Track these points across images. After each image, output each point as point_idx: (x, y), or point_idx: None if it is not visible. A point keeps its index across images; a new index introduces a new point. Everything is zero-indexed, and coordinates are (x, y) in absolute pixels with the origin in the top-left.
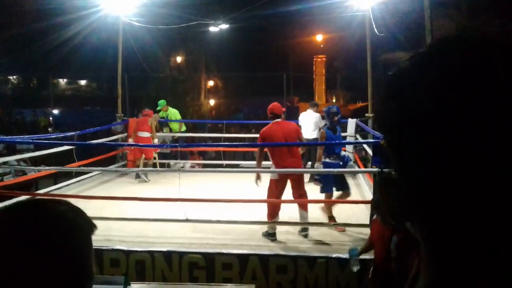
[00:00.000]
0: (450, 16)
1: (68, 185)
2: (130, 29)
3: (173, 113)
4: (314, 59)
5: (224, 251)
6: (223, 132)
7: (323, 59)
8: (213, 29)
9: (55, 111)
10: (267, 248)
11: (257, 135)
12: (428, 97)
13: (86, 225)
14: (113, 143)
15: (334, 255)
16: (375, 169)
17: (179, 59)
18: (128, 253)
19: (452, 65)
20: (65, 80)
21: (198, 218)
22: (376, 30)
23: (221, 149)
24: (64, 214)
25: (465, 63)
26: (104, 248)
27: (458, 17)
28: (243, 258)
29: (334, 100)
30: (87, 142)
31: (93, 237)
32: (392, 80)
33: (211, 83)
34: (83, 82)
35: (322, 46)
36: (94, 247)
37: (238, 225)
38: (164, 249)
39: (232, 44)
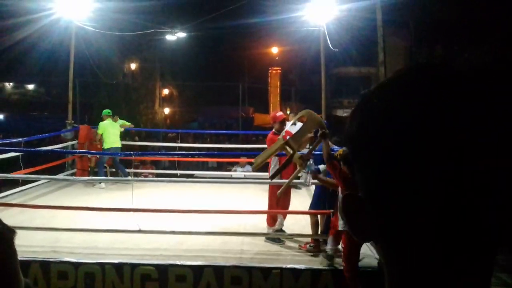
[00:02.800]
0: (399, 35)
1: (13, 193)
2: (83, 34)
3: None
4: (270, 71)
5: (178, 262)
6: (178, 142)
7: (278, 71)
8: (169, 37)
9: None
10: (222, 259)
11: (212, 145)
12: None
13: (5, 230)
14: (63, 150)
15: (288, 266)
16: None
17: (133, 66)
18: (77, 265)
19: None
20: (11, 84)
21: (151, 229)
22: (330, 45)
23: (176, 158)
24: None
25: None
26: (51, 260)
27: (406, 36)
28: (197, 270)
29: (288, 112)
30: (36, 149)
31: (40, 249)
32: (368, 99)
33: (166, 91)
34: (30, 87)
35: (277, 58)
36: (40, 259)
37: (193, 236)
38: (115, 261)
39: (189, 53)
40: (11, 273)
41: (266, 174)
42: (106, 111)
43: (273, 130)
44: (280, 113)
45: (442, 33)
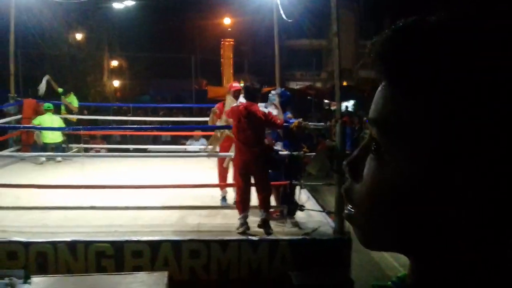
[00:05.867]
0: (349, 8)
1: None
2: (24, 2)
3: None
4: (222, 42)
5: (134, 238)
6: (129, 115)
7: (231, 43)
8: (117, 5)
9: None
10: (180, 233)
11: (165, 119)
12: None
13: None
14: (12, 125)
15: (246, 238)
16: (285, 152)
17: (79, 36)
18: (27, 244)
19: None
20: None
21: (104, 205)
22: (284, 16)
23: (127, 132)
24: None
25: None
26: None
27: (356, 9)
28: (154, 245)
29: (241, 84)
30: None
31: None
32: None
33: (115, 63)
34: None
35: (230, 29)
36: None
37: (148, 211)
38: (68, 239)
39: (138, 23)
40: None
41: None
42: (46, 105)
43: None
44: (236, 84)
45: (389, 7)
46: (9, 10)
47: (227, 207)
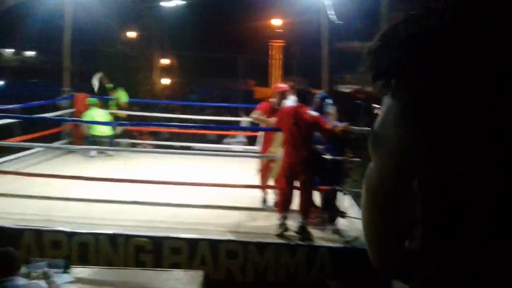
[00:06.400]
0: (404, 9)
1: (8, 160)
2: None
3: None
4: (271, 43)
5: (173, 235)
6: (177, 113)
7: (280, 44)
8: (166, 4)
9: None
10: (218, 233)
11: (209, 117)
12: None
13: None
14: (59, 118)
15: (284, 242)
16: (329, 156)
17: (132, 34)
18: (70, 234)
19: None
20: (10, 50)
21: (147, 200)
22: (334, 17)
23: (170, 130)
24: None
25: None
26: (44, 229)
27: (407, 9)
28: (192, 243)
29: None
30: (26, 115)
31: (34, 217)
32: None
33: (164, 61)
34: (30, 54)
35: (279, 30)
36: (34, 227)
37: (188, 208)
38: (110, 232)
39: (188, 22)
40: None
41: None
42: (90, 100)
43: (271, 100)
44: (281, 85)
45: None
46: (66, 7)
47: (267, 209)
